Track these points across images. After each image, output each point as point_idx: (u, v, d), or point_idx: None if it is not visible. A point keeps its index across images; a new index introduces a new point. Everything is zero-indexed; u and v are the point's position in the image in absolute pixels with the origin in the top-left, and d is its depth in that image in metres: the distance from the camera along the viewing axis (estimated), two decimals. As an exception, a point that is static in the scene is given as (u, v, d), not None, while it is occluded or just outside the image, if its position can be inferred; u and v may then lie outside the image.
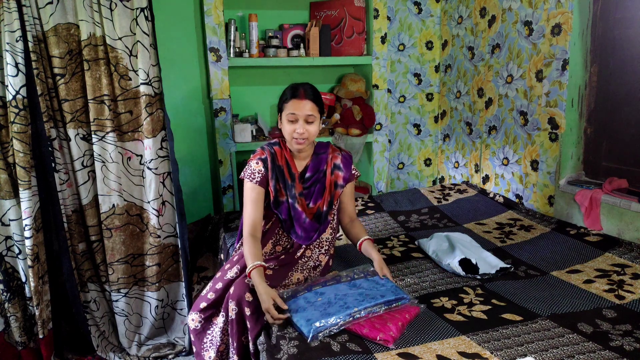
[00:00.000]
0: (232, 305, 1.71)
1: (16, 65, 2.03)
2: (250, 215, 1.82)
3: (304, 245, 1.92)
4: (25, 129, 2.08)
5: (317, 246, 1.95)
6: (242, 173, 1.89)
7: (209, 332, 1.81)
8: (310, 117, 1.79)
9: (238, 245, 2.02)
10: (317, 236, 1.92)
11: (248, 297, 1.69)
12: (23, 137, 2.08)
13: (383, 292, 1.67)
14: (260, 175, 1.84)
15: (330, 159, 1.94)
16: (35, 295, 2.18)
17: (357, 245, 1.92)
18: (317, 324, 1.53)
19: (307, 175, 1.91)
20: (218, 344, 1.79)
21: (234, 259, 1.91)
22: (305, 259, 1.93)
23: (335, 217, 1.99)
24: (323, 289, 1.71)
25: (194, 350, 1.85)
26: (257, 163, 1.86)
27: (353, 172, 1.99)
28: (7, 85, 2.05)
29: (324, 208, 1.91)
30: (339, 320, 1.54)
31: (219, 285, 1.81)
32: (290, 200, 1.88)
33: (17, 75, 2.04)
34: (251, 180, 1.84)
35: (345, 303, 1.61)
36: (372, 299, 1.62)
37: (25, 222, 2.12)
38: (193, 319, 1.81)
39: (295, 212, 1.88)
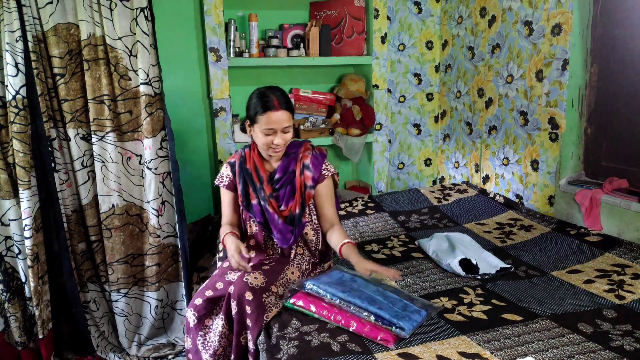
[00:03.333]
0: (232, 305, 1.71)
1: (16, 65, 2.03)
2: (226, 216, 1.95)
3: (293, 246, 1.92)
4: (25, 129, 2.08)
5: (303, 246, 1.96)
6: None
7: (201, 332, 1.80)
8: (287, 128, 1.79)
9: None
10: (294, 239, 1.87)
11: (249, 295, 1.69)
12: (23, 137, 2.08)
13: (387, 306, 1.59)
14: (228, 179, 1.91)
15: (300, 158, 1.89)
16: (35, 296, 2.18)
17: (338, 251, 1.81)
18: (313, 285, 1.65)
19: (277, 176, 1.87)
20: (216, 347, 1.78)
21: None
22: (300, 257, 1.94)
23: (313, 218, 1.95)
24: (355, 279, 1.73)
25: (189, 346, 1.83)
26: (226, 167, 1.93)
27: (323, 172, 1.90)
28: (6, 85, 2.05)
29: (297, 211, 1.85)
30: (330, 295, 1.62)
31: (220, 286, 1.80)
32: (261, 202, 1.87)
33: (17, 75, 2.03)
34: (221, 185, 1.93)
35: (350, 293, 1.63)
36: (372, 305, 1.58)
37: (25, 222, 2.11)
38: (190, 316, 1.81)
39: (268, 215, 1.87)
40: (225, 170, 1.92)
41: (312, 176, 1.87)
